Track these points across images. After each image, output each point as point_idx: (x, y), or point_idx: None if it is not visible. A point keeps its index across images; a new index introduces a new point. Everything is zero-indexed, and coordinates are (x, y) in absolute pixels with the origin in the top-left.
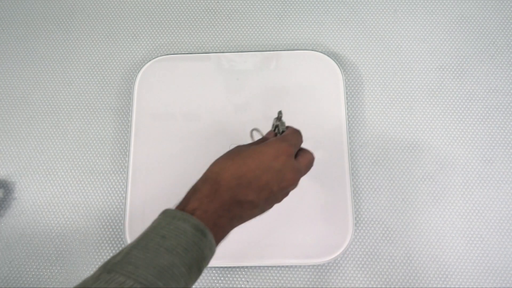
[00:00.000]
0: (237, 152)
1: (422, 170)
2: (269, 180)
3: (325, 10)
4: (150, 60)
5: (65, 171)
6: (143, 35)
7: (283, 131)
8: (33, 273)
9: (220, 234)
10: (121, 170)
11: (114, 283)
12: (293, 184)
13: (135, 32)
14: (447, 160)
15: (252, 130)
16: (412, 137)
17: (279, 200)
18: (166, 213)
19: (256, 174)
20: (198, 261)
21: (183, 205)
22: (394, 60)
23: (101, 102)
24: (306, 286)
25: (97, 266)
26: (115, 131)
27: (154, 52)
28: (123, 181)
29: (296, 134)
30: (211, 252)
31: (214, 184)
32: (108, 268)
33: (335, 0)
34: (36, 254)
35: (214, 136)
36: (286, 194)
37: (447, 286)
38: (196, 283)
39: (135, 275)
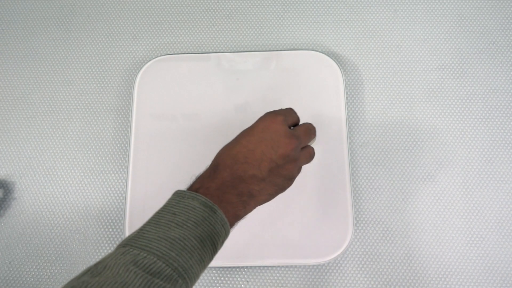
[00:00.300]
0: (233, 138)
1: (422, 170)
2: (264, 150)
3: (325, 10)
4: (150, 60)
5: (65, 171)
6: (143, 35)
7: None
8: (33, 273)
9: (231, 210)
10: (121, 170)
11: (130, 255)
12: (291, 148)
13: (135, 32)
14: (447, 160)
15: None
16: (412, 137)
17: (289, 170)
18: (176, 194)
19: (249, 148)
20: (211, 235)
21: (188, 188)
22: (394, 60)
23: (101, 102)
24: (306, 286)
25: None
26: (115, 131)
27: (154, 52)
28: (123, 181)
29: (287, 108)
30: (224, 229)
31: (213, 166)
32: (123, 244)
33: (335, 0)
34: (36, 254)
35: (214, 136)
36: (292, 162)
37: (447, 286)
38: (197, 283)
39: (148, 247)
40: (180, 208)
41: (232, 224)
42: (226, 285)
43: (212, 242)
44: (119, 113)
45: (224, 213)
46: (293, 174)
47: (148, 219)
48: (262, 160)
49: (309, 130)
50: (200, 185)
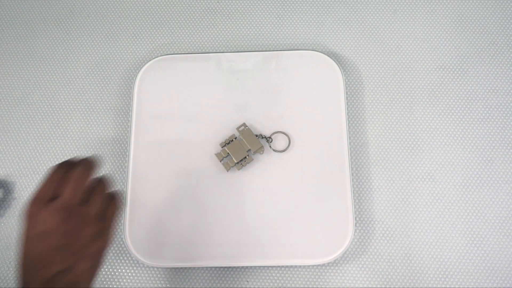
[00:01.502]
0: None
1: (422, 170)
2: (35, 239)
3: (325, 10)
4: (150, 60)
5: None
6: (143, 35)
7: None
8: None
9: None
10: (121, 170)
11: None
12: (57, 220)
13: (135, 32)
14: (447, 160)
15: (240, 126)
16: (412, 137)
17: (87, 235)
18: None
19: (29, 245)
20: None
21: None
22: (394, 60)
23: (101, 102)
24: (306, 286)
25: None
26: (115, 131)
27: (154, 52)
28: (123, 181)
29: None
30: None
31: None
32: None
33: (335, 0)
34: None
35: (214, 136)
36: (75, 226)
37: (447, 286)
38: (197, 283)
39: None
40: None
41: None
42: (226, 285)
43: None
44: (119, 113)
45: None
46: (91, 233)
47: None
48: (40, 243)
49: (77, 184)
50: None
